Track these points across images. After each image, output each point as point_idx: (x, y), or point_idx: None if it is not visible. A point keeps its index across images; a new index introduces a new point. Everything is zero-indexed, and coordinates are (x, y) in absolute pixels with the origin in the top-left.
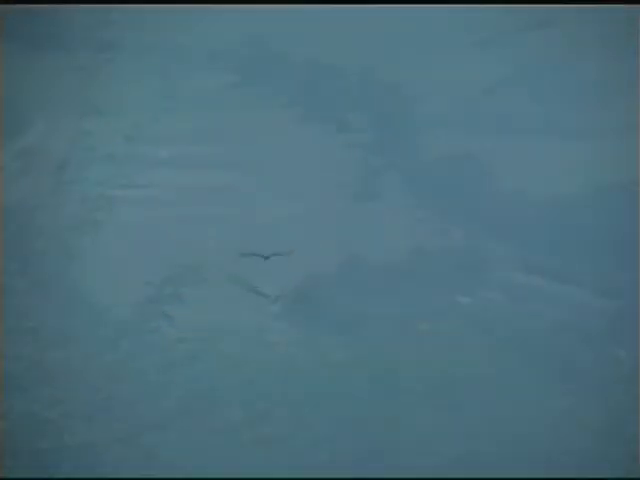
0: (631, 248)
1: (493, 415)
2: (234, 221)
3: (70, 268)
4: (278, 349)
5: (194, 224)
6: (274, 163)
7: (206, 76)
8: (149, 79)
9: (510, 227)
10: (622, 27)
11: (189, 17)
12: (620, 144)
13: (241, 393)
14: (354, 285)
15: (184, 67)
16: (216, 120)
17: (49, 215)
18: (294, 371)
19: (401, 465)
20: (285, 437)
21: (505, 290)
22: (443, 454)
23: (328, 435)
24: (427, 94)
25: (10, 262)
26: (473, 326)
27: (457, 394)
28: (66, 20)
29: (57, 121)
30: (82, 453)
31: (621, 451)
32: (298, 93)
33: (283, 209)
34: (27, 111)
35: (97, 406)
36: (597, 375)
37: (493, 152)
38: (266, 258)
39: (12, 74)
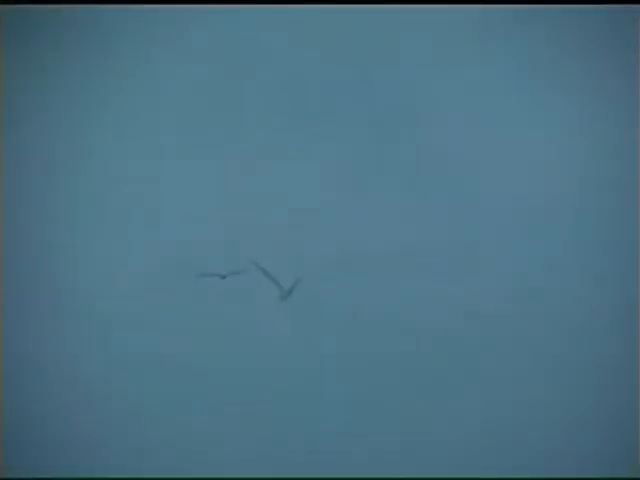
0: (631, 246)
1: (490, 413)
2: (230, 215)
3: (61, 263)
4: (275, 342)
5: (188, 218)
6: (265, 159)
7: (199, 71)
8: (144, 75)
9: (508, 224)
10: (622, 27)
11: (187, 15)
12: (620, 144)
13: (236, 384)
14: (350, 279)
15: (179, 63)
16: (207, 115)
17: (41, 210)
18: (290, 363)
19: (394, 460)
20: (279, 430)
21: (501, 287)
22: (438, 450)
23: (321, 430)
24: (425, 92)
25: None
26: (468, 322)
27: (452, 390)
28: (65, 19)
29: (54, 119)
30: (80, 444)
31: (621, 450)
32: (290, 89)
33: (279, 203)
34: (25, 109)
35: (94, 399)
36: (596, 373)
37: (491, 150)
38: (223, 277)
39: (11, 73)
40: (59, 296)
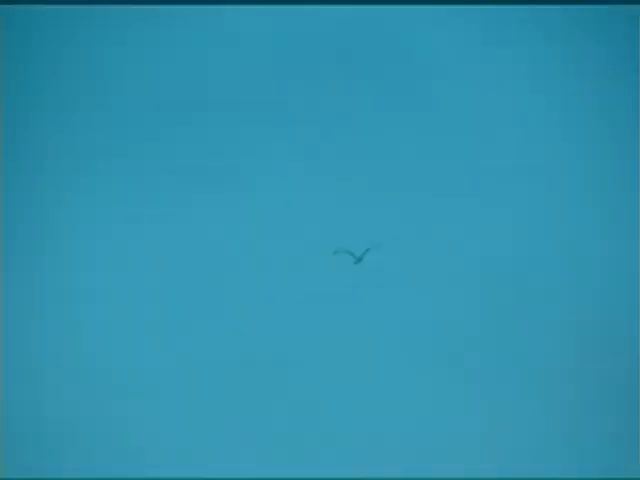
0: (631, 247)
1: (488, 413)
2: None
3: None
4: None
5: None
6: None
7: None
8: (147, 77)
9: (508, 224)
10: (622, 27)
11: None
12: (620, 144)
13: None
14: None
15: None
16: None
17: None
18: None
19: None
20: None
21: (499, 287)
22: (434, 450)
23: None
24: (433, 92)
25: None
26: (467, 321)
27: (452, 388)
28: (66, 19)
29: (53, 119)
30: (80, 444)
31: (621, 450)
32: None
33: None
34: (25, 109)
35: (94, 398)
36: (596, 373)
37: (491, 153)
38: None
39: (11, 73)
40: (61, 296)
